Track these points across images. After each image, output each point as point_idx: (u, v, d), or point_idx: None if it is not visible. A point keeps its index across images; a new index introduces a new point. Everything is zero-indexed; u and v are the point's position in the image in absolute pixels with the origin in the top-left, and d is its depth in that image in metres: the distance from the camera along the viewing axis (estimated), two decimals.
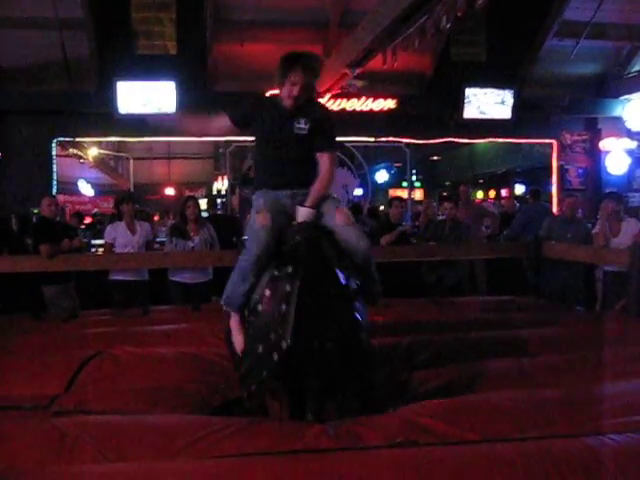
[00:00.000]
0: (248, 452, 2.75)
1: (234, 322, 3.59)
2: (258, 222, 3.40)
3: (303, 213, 3.44)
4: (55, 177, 11.55)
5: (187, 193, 19.53)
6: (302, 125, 3.49)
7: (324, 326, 3.19)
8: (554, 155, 12.96)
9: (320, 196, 3.49)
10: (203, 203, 12.70)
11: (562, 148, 12.82)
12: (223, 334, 3.86)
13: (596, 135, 12.80)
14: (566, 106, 12.10)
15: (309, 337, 3.17)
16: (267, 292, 3.31)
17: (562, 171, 12.88)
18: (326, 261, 3.26)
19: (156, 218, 10.89)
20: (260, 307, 3.35)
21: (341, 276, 3.27)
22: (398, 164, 19.48)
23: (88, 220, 14.34)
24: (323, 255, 3.27)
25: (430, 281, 7.75)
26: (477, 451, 2.76)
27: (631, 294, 5.70)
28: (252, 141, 3.80)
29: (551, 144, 12.98)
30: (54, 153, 11.58)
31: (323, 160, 3.53)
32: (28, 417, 3.34)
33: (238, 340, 3.53)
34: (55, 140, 11.59)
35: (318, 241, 3.31)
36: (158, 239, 9.46)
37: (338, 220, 3.44)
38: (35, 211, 9.02)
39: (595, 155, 12.83)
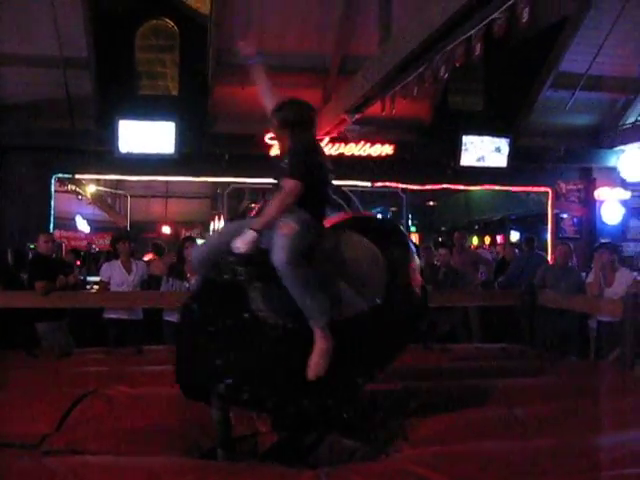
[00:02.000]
0: None
1: None
2: None
3: (243, 237, 3.36)
4: (53, 213, 11.57)
5: (183, 232, 19.54)
6: (286, 160, 3.62)
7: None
8: (549, 203, 13.06)
9: (268, 219, 3.43)
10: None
11: (557, 196, 12.92)
12: None
13: (591, 184, 12.91)
14: (561, 155, 12.23)
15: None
16: None
17: (557, 219, 12.96)
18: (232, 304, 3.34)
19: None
20: None
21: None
22: (394, 209, 19.54)
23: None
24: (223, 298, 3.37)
25: (422, 327, 7.72)
26: None
27: (624, 345, 5.70)
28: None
29: (546, 192, 13.08)
30: (53, 189, 11.63)
31: (283, 186, 3.51)
32: (18, 456, 3.32)
33: None
34: (54, 176, 11.64)
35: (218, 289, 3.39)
36: None
37: (278, 229, 3.40)
38: (32, 246, 9.02)
39: (590, 204, 12.93)
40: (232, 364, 3.24)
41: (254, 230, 3.36)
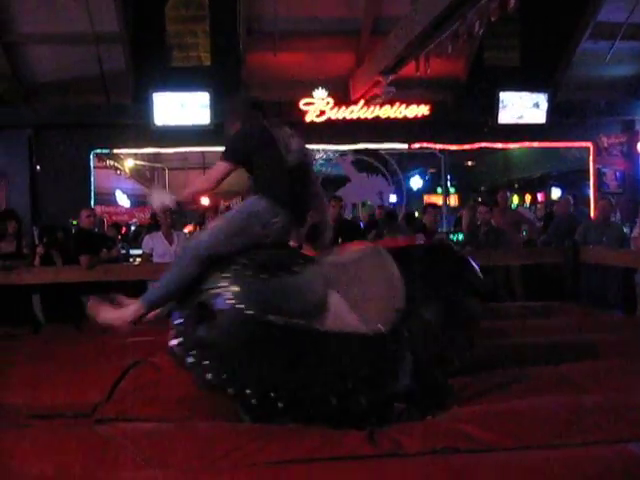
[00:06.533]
0: (288, 459, 2.76)
1: None
2: None
3: (162, 196, 3.96)
4: (93, 189, 11.72)
5: (222, 203, 19.60)
6: None
7: None
8: (591, 158, 12.80)
9: (192, 191, 3.92)
10: None
11: (599, 151, 12.66)
12: None
13: (633, 137, 12.61)
14: (602, 108, 11.96)
15: None
16: None
17: (599, 174, 12.71)
18: None
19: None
20: None
21: None
22: (432, 170, 19.36)
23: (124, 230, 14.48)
24: None
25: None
26: (518, 458, 2.74)
27: None
28: None
29: (588, 147, 12.82)
30: (92, 165, 11.76)
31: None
32: (71, 425, 3.40)
33: None
34: (93, 152, 11.77)
35: None
36: None
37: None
38: (74, 222, 9.15)
39: (633, 157, 12.65)
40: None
41: (177, 201, 3.80)
